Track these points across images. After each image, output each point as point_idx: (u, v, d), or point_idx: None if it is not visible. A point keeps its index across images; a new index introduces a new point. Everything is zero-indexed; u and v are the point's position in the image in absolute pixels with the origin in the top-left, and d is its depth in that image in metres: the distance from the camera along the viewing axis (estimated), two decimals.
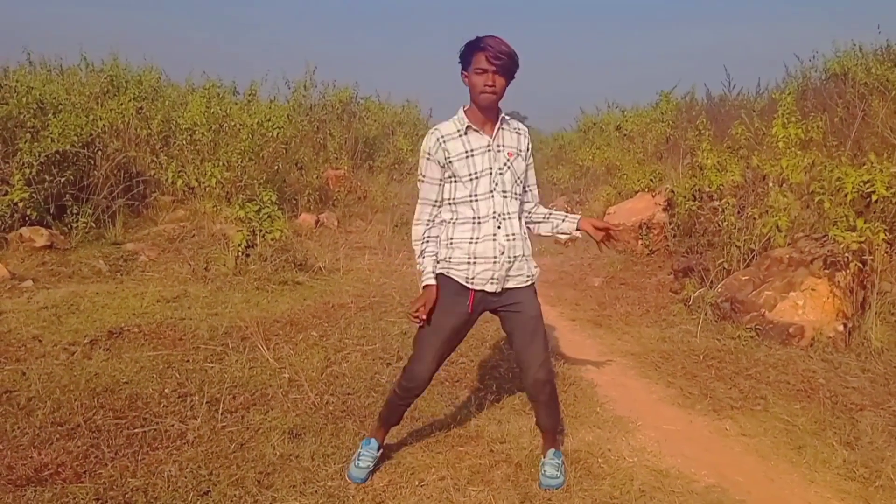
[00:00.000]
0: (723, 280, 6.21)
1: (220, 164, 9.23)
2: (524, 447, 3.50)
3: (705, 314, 5.91)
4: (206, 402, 3.82)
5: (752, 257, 6.31)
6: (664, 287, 7.23)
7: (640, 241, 8.79)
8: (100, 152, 8.46)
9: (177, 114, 10.72)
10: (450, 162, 2.90)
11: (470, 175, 2.90)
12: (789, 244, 6.07)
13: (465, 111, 2.94)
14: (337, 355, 4.81)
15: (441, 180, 2.95)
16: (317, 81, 14.94)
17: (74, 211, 7.74)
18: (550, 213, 3.21)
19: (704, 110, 12.96)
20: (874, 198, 5.40)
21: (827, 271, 5.49)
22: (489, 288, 2.95)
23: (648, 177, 10.11)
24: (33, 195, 7.40)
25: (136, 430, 3.48)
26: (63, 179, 7.77)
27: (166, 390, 4.00)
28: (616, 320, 6.35)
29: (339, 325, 5.46)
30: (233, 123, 10.49)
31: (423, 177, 2.97)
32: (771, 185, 6.69)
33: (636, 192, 9.91)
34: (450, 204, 2.97)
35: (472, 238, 2.93)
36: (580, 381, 4.61)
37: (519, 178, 2.98)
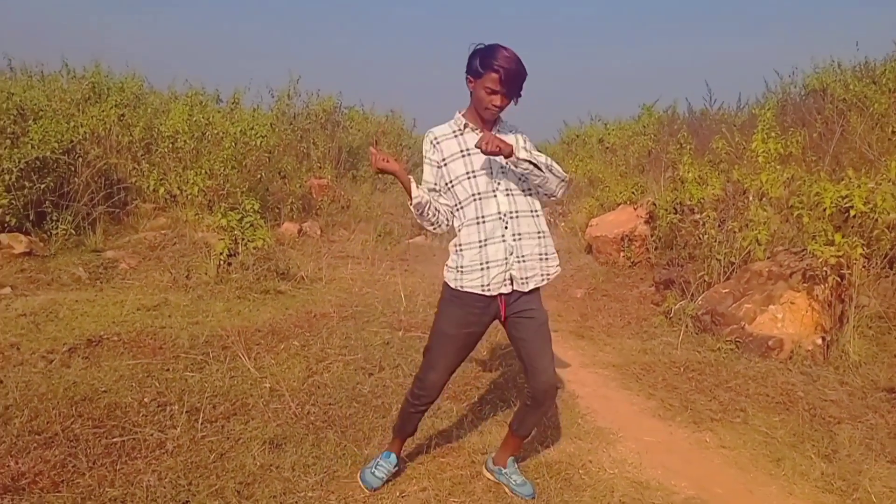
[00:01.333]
0: (703, 293, 6.27)
1: (203, 172, 9.19)
2: None
3: (686, 326, 5.95)
4: (186, 412, 3.79)
5: (733, 270, 6.37)
6: (646, 299, 7.27)
7: (622, 254, 8.84)
8: (80, 159, 8.40)
9: (159, 121, 10.66)
10: (445, 163, 2.89)
11: (468, 173, 2.87)
12: (769, 258, 6.14)
13: (462, 114, 2.92)
14: (319, 365, 4.80)
15: (436, 184, 2.94)
16: (300, 90, 14.95)
17: (54, 218, 7.67)
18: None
19: (686, 124, 13.08)
20: (852, 213, 5.48)
21: (806, 285, 5.55)
22: (505, 290, 2.89)
23: (630, 189, 10.17)
24: (12, 202, 7.33)
25: (114, 440, 3.45)
26: (43, 186, 7.70)
27: (146, 399, 3.96)
28: (598, 332, 6.38)
29: (321, 335, 5.44)
30: (215, 131, 10.45)
31: (423, 176, 2.97)
32: (751, 198, 6.77)
33: (618, 205, 9.96)
34: (456, 210, 2.93)
35: (480, 241, 2.88)
36: (562, 393, 4.62)
37: (524, 174, 2.90)
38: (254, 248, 7.15)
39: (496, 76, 2.71)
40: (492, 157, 2.83)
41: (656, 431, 4.15)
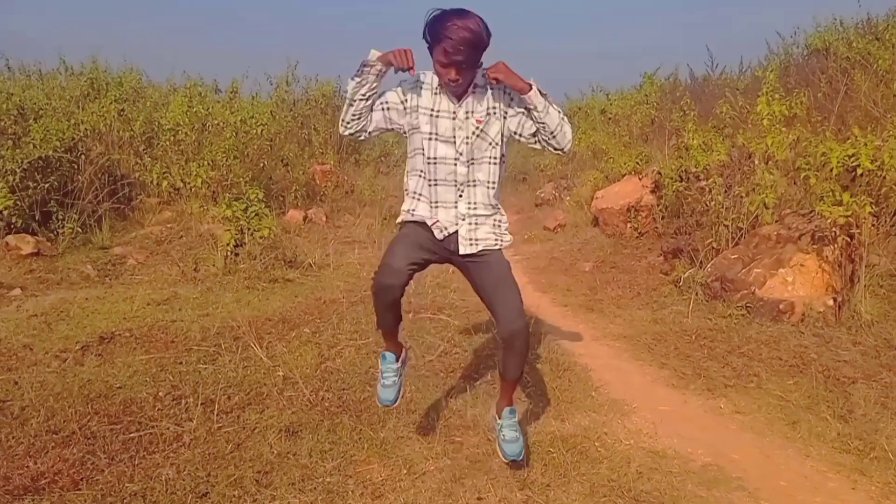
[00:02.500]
0: (712, 260, 6.24)
1: (205, 163, 9.16)
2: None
3: (696, 294, 5.93)
4: (201, 404, 3.81)
5: (741, 236, 6.33)
6: (654, 269, 7.25)
7: (628, 224, 8.80)
8: (83, 156, 8.38)
9: (159, 114, 10.63)
10: (416, 109, 2.83)
11: (431, 135, 2.83)
12: (777, 221, 6.10)
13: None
14: (331, 351, 4.81)
15: (389, 105, 2.86)
16: (299, 76, 14.89)
17: (60, 217, 7.68)
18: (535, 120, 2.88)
19: (688, 91, 12.96)
20: (859, 171, 5.42)
21: (815, 246, 5.51)
22: (440, 234, 2.91)
23: (635, 159, 10.10)
24: (17, 203, 7.32)
25: (131, 435, 3.47)
26: (47, 185, 7.70)
27: (160, 393, 3.98)
28: (608, 304, 6.37)
29: (331, 321, 5.45)
30: (216, 122, 10.42)
31: (387, 92, 2.88)
32: (757, 162, 6.71)
33: (623, 176, 9.90)
34: (409, 156, 2.93)
35: (432, 202, 2.90)
36: (574, 367, 4.62)
37: (494, 140, 2.85)
38: (260, 238, 7.14)
39: (441, 48, 2.59)
40: (457, 127, 2.80)
41: (670, 400, 4.15)
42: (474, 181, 2.89)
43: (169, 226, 8.42)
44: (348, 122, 2.87)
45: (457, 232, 2.93)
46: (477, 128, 2.83)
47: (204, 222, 8.34)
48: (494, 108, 2.85)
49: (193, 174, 8.95)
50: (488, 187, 2.91)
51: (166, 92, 12.86)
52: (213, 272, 6.85)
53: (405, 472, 3.18)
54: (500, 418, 3.13)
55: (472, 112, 2.83)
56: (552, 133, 2.81)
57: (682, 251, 6.84)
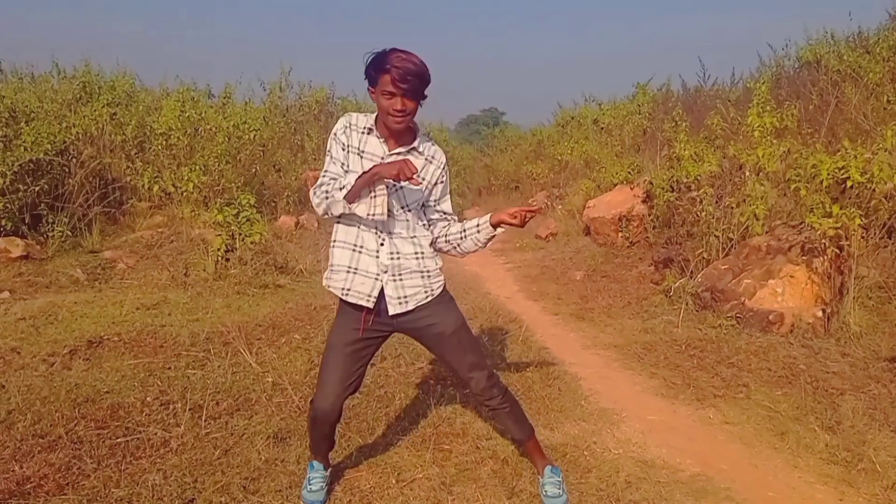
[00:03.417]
0: (702, 270, 6.26)
1: (197, 168, 9.15)
2: (510, 443, 3.50)
3: (686, 304, 5.95)
4: (189, 409, 3.79)
5: (731, 246, 6.36)
6: (645, 278, 7.27)
7: (620, 234, 8.84)
8: (74, 160, 8.36)
9: (151, 119, 10.62)
10: (348, 151, 2.70)
11: (359, 175, 2.63)
12: (767, 232, 6.13)
13: (377, 117, 2.71)
14: (320, 358, 4.78)
15: (343, 164, 2.70)
16: (292, 82, 14.91)
17: (50, 220, 7.65)
18: (464, 229, 2.85)
19: (680, 101, 13.05)
20: (849, 184, 5.46)
21: (805, 258, 5.54)
22: (366, 303, 2.73)
23: (626, 169, 10.16)
24: (7, 205, 7.30)
25: (118, 440, 3.45)
26: (37, 188, 7.67)
27: (148, 398, 3.96)
28: (598, 313, 6.38)
29: (321, 327, 5.44)
30: (208, 127, 10.42)
31: (329, 153, 2.74)
32: (747, 174, 6.75)
33: (615, 185, 9.95)
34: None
35: (355, 246, 2.74)
36: (564, 375, 4.62)
37: (409, 204, 2.73)
38: (251, 243, 7.13)
39: (389, 77, 2.51)
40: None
41: (660, 410, 4.16)
42: (393, 233, 2.75)
43: (160, 230, 8.39)
44: (321, 205, 2.72)
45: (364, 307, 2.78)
46: (398, 182, 2.58)
47: (195, 227, 8.32)
48: (423, 178, 2.72)
49: (185, 179, 8.94)
50: (411, 240, 2.79)
51: (159, 96, 12.85)
52: (203, 277, 6.83)
53: (394, 479, 3.17)
54: (541, 476, 3.06)
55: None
56: (458, 245, 2.86)
57: (672, 261, 6.87)
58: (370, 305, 2.74)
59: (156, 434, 3.52)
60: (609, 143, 13.44)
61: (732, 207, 6.48)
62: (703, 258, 6.47)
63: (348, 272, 2.75)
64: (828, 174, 5.51)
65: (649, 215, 8.54)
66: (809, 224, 5.42)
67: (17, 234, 7.37)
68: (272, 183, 11.24)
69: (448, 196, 2.89)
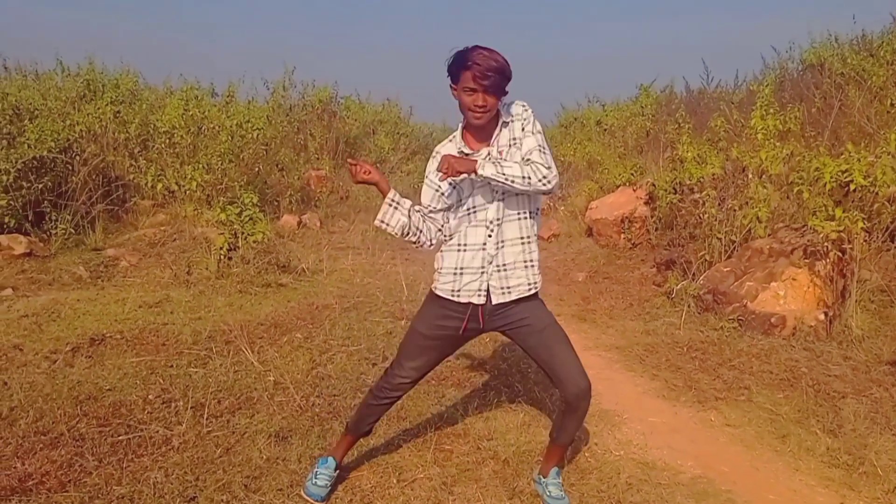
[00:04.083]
0: (705, 272, 6.26)
1: (200, 166, 9.17)
2: (511, 443, 3.51)
3: (688, 306, 5.94)
4: (191, 408, 3.80)
5: (734, 249, 6.36)
6: (647, 280, 7.27)
7: (622, 236, 8.83)
8: (77, 157, 8.37)
9: (155, 117, 10.63)
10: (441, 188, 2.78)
11: (452, 184, 2.76)
12: (769, 235, 6.13)
13: (463, 128, 2.79)
14: (322, 357, 4.80)
15: (431, 205, 2.83)
16: (296, 81, 14.90)
17: (53, 217, 7.66)
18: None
19: (683, 103, 13.01)
20: (852, 187, 5.46)
21: (807, 261, 5.54)
22: (476, 300, 2.81)
23: (629, 171, 10.14)
24: (11, 202, 7.32)
25: (120, 438, 3.46)
26: (41, 186, 7.69)
27: (150, 396, 3.97)
28: (600, 314, 6.38)
29: (323, 327, 5.45)
30: (212, 125, 10.42)
31: (422, 194, 2.86)
32: (750, 176, 6.75)
33: (618, 187, 9.93)
34: (447, 220, 2.84)
35: (459, 245, 2.81)
36: None
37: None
38: (254, 242, 7.14)
39: (470, 74, 2.58)
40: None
41: (661, 412, 4.16)
42: (504, 218, 2.81)
43: (162, 228, 8.40)
44: (418, 244, 2.86)
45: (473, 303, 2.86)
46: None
47: (198, 225, 8.33)
48: (514, 139, 2.75)
49: (188, 177, 8.95)
50: (519, 219, 2.84)
51: (162, 94, 12.87)
52: (205, 275, 6.83)
53: (395, 479, 3.18)
54: (545, 477, 3.04)
55: (501, 148, 2.75)
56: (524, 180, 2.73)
57: (674, 263, 6.86)
58: (482, 302, 2.82)
59: (157, 432, 3.53)
60: (612, 145, 13.42)
61: (735, 210, 6.48)
62: (706, 260, 6.47)
63: (455, 274, 2.83)
64: (831, 177, 5.51)
65: (652, 217, 8.53)
66: (812, 227, 5.42)
67: (21, 232, 7.39)
68: (275, 182, 11.25)
69: (537, 149, 2.69)
